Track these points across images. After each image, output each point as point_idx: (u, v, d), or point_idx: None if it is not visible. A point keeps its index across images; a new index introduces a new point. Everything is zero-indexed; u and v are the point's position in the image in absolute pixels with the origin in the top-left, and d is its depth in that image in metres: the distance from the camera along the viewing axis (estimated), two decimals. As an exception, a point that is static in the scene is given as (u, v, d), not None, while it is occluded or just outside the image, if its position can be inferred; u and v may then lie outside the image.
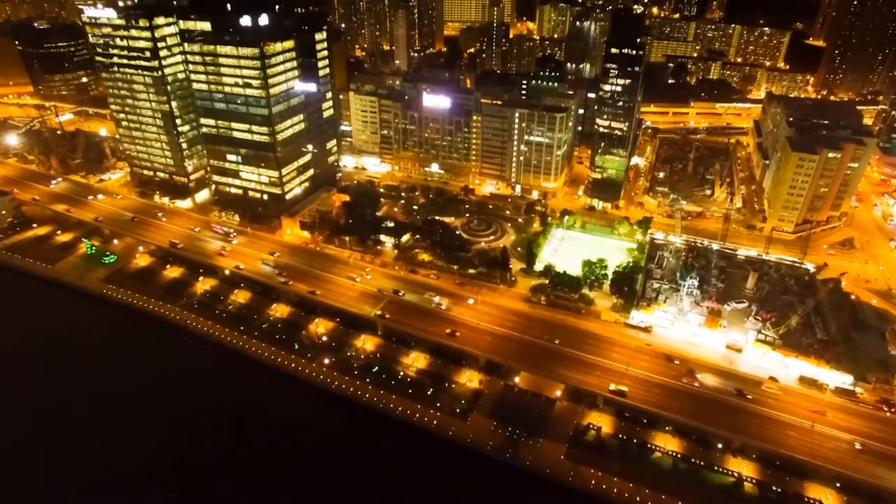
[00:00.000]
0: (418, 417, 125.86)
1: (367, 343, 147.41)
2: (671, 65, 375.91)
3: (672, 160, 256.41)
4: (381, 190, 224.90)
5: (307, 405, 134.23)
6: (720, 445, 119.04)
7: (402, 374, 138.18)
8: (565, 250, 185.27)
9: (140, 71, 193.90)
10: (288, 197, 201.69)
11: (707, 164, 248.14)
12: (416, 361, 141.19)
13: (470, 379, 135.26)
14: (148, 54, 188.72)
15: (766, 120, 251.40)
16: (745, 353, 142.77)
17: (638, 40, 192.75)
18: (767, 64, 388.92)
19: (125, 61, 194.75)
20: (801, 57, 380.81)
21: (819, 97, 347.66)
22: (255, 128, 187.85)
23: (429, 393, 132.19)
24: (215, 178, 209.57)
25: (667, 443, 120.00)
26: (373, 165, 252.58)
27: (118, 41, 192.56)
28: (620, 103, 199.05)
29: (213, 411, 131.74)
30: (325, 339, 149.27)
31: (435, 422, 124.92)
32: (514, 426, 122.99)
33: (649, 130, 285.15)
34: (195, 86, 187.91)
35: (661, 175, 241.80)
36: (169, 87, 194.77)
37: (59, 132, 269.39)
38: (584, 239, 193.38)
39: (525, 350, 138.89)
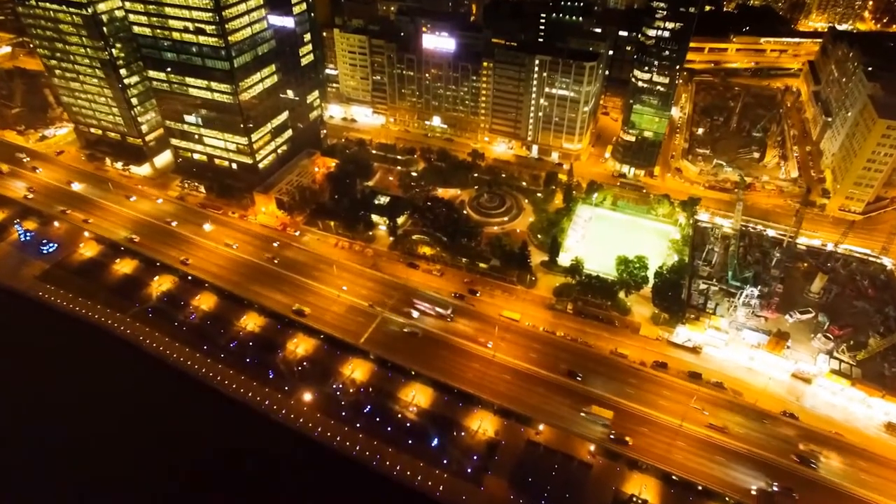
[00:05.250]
0: (420, 481, 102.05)
1: (356, 370, 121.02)
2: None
3: (711, 111, 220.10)
4: (374, 151, 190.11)
5: (283, 455, 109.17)
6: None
7: (400, 415, 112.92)
8: (594, 235, 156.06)
9: (65, 7, 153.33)
10: (261, 166, 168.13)
11: (753, 117, 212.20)
12: (416, 399, 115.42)
13: (483, 428, 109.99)
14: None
15: (829, 64, 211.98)
16: (815, 385, 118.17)
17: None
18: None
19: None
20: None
21: (878, 27, 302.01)
22: (214, 84, 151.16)
23: (433, 444, 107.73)
24: (174, 141, 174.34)
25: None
26: (364, 116, 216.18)
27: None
28: (667, 52, 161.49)
29: (165, 453, 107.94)
30: (305, 364, 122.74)
31: (441, 487, 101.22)
32: (539, 496, 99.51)
33: (684, 73, 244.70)
34: (136, 30, 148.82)
35: (701, 131, 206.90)
36: (105, 30, 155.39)
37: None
38: (616, 219, 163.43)
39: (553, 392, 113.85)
